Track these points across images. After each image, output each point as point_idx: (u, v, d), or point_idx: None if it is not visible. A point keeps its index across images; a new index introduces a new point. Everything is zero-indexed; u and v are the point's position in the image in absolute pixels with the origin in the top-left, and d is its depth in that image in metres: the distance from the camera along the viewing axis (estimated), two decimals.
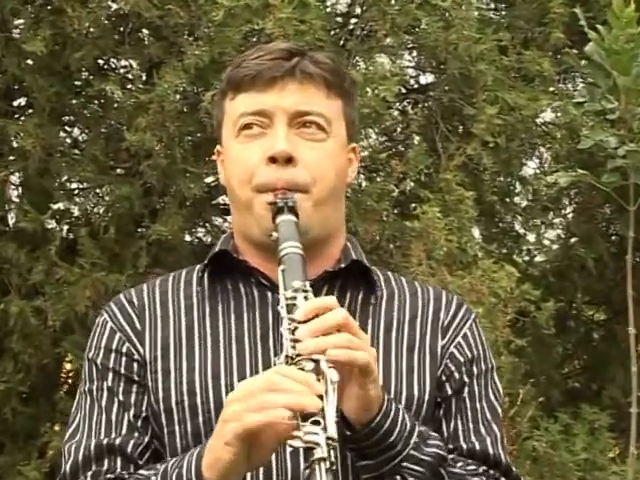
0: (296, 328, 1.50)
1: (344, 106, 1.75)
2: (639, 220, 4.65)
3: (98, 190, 5.30)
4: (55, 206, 5.23)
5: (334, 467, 1.41)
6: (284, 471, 1.60)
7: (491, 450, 1.69)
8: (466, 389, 1.71)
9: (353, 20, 5.60)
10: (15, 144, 5.03)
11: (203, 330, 1.69)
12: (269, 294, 1.69)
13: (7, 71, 4.96)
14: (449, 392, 1.71)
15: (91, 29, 4.90)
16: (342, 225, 1.79)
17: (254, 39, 4.83)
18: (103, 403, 1.69)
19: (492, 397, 1.74)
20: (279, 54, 1.70)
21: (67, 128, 5.46)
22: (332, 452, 1.41)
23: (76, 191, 5.43)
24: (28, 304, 4.87)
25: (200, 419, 1.64)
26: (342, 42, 5.36)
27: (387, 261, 4.94)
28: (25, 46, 4.73)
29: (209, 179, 5.10)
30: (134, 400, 1.68)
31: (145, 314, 1.72)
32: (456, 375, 1.71)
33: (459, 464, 1.66)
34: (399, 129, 5.69)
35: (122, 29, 5.08)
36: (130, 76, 5.18)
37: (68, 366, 5.37)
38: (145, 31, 5.18)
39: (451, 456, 1.65)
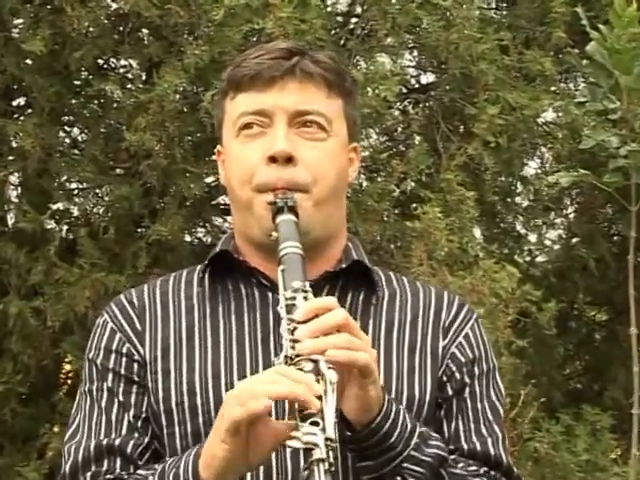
0: (295, 328, 1.50)
1: (345, 105, 1.74)
2: None
3: (98, 190, 5.30)
4: (54, 206, 5.23)
5: (333, 468, 1.41)
6: (284, 472, 1.60)
7: (492, 451, 1.68)
8: (467, 389, 1.71)
9: (354, 19, 5.62)
10: (14, 144, 5.02)
11: (203, 331, 1.69)
12: (270, 294, 1.68)
13: (6, 71, 4.96)
14: (450, 392, 1.70)
15: (91, 29, 4.90)
16: (343, 225, 1.78)
17: (254, 39, 4.84)
18: (103, 404, 1.68)
19: (494, 397, 1.73)
20: (279, 53, 1.70)
21: (66, 128, 5.47)
22: (331, 453, 1.41)
23: (75, 191, 5.43)
24: (27, 305, 4.87)
25: (200, 420, 1.63)
26: (343, 42, 5.37)
27: (388, 261, 4.93)
28: (24, 46, 4.74)
29: (209, 179, 5.11)
30: (134, 401, 1.68)
31: (145, 314, 1.72)
32: (457, 375, 1.70)
33: (460, 465, 1.65)
34: (400, 129, 5.69)
35: (122, 29, 5.08)
36: (130, 76, 5.18)
37: (67, 367, 5.36)
38: (145, 31, 5.18)
39: (452, 457, 1.64)
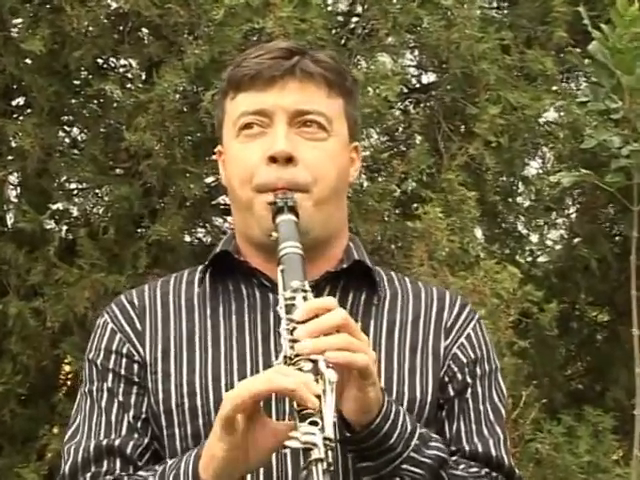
0: (295, 328, 1.50)
1: (345, 105, 1.74)
2: None
3: (97, 190, 5.31)
4: (54, 206, 5.23)
5: (332, 468, 1.40)
6: (284, 472, 1.60)
7: (494, 452, 1.68)
8: (469, 390, 1.70)
9: (354, 19, 5.63)
10: (14, 144, 5.02)
11: (204, 331, 1.69)
12: (270, 295, 1.68)
13: (6, 70, 4.95)
14: (451, 393, 1.69)
15: (90, 28, 4.90)
16: (344, 225, 1.78)
17: (254, 38, 4.84)
18: (103, 404, 1.69)
19: (496, 398, 1.73)
20: (279, 53, 1.70)
21: (66, 128, 5.47)
22: (330, 453, 1.40)
23: (75, 191, 5.44)
24: (27, 305, 4.87)
25: (200, 421, 1.63)
26: (343, 41, 5.37)
27: (389, 262, 4.93)
28: (24, 45, 4.73)
29: (209, 179, 5.12)
30: (134, 401, 1.68)
31: (146, 315, 1.72)
32: (459, 376, 1.70)
33: (461, 466, 1.65)
34: (401, 129, 5.69)
35: (121, 28, 5.08)
36: (130, 75, 5.18)
37: (67, 368, 5.37)
38: (145, 30, 5.18)
39: (453, 458, 1.64)
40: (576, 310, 6.34)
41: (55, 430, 5.07)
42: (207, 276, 1.73)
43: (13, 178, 5.33)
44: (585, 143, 4.64)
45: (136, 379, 1.68)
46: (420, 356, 1.69)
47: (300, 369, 1.46)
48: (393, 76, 4.87)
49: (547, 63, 5.21)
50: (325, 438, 1.40)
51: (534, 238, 5.99)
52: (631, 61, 4.34)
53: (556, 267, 6.13)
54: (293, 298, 1.54)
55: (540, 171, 5.89)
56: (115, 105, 5.04)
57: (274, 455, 1.54)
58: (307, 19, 4.66)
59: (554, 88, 5.49)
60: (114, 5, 4.97)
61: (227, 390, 1.59)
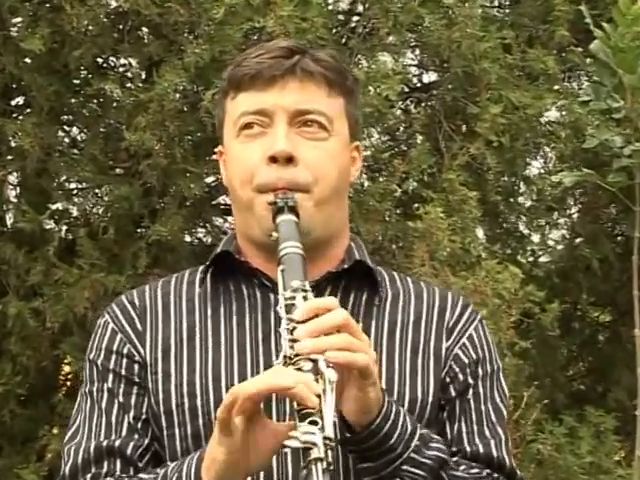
0: (295, 328, 1.49)
1: (346, 104, 1.73)
2: None
3: (97, 190, 5.32)
4: (54, 206, 5.23)
5: (331, 467, 1.40)
6: (285, 473, 1.60)
7: (495, 453, 1.68)
8: (471, 391, 1.70)
9: (355, 18, 5.64)
10: (13, 143, 5.02)
11: (204, 332, 1.69)
12: (271, 295, 1.68)
13: (5, 70, 4.95)
14: (453, 394, 1.69)
15: (90, 27, 4.90)
16: (346, 225, 1.77)
17: (255, 37, 4.85)
18: (103, 405, 1.68)
19: (497, 399, 1.72)
20: (280, 52, 1.69)
21: (66, 127, 5.47)
22: (329, 452, 1.40)
23: (75, 191, 5.44)
24: (26, 305, 4.87)
25: (200, 421, 1.63)
26: (344, 40, 5.37)
27: (390, 262, 4.93)
28: (23, 44, 4.74)
29: (209, 179, 5.13)
30: (134, 402, 1.68)
31: (146, 315, 1.72)
32: (460, 377, 1.70)
33: (462, 467, 1.64)
34: (402, 128, 5.70)
35: (121, 27, 5.08)
36: (129, 75, 5.19)
37: (67, 368, 5.37)
38: (145, 29, 5.19)
39: (454, 459, 1.64)
40: (578, 310, 6.34)
41: (55, 431, 5.08)
42: (208, 276, 1.72)
43: (13, 178, 5.34)
44: (587, 143, 4.65)
45: (136, 379, 1.68)
46: (421, 357, 1.68)
47: (300, 369, 1.45)
48: (394, 75, 4.87)
49: (549, 62, 5.21)
50: (325, 437, 1.40)
51: (536, 238, 6.01)
52: (633, 60, 4.34)
53: (558, 267, 6.13)
54: (293, 298, 1.53)
55: (542, 171, 5.90)
56: (115, 105, 5.05)
57: (275, 457, 1.54)
58: (308, 18, 4.66)
59: (556, 87, 5.49)
60: (114, 4, 4.98)
61: (227, 390, 1.58)
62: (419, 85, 5.92)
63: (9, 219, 5.25)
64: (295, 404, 1.44)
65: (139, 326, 1.71)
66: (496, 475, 1.66)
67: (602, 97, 4.47)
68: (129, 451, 1.65)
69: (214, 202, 5.43)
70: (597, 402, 5.74)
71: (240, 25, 4.67)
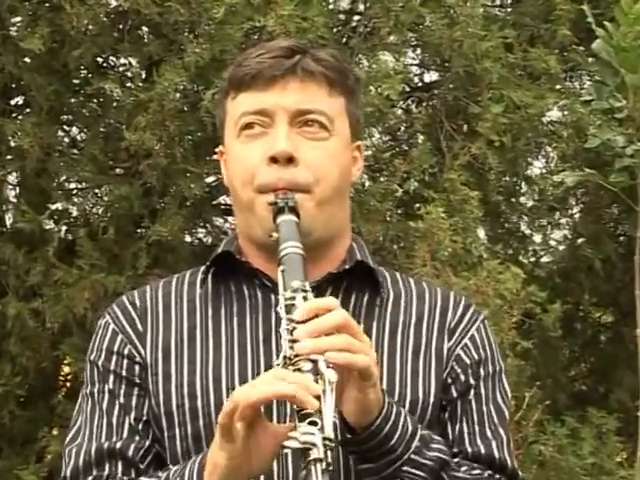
0: (294, 328, 1.49)
1: (347, 104, 1.72)
2: None
3: (97, 190, 5.33)
4: (53, 206, 5.24)
5: (331, 468, 1.40)
6: (285, 474, 1.59)
7: (497, 454, 1.66)
8: (472, 391, 1.69)
9: (356, 17, 5.65)
10: (13, 143, 5.03)
11: (205, 332, 1.68)
12: (272, 296, 1.66)
13: (4, 69, 4.96)
14: (454, 395, 1.68)
15: (90, 26, 4.91)
16: (347, 225, 1.76)
17: (255, 37, 4.86)
18: (104, 406, 1.68)
19: (499, 400, 1.71)
20: (280, 52, 1.68)
21: (65, 127, 5.48)
22: (329, 453, 1.40)
23: (75, 191, 5.45)
24: (26, 306, 4.87)
25: (201, 422, 1.63)
26: (345, 40, 5.38)
27: (391, 262, 4.92)
28: (23, 44, 4.74)
29: (210, 179, 5.13)
30: (135, 403, 1.67)
31: (147, 316, 1.71)
32: (462, 377, 1.69)
33: (463, 468, 1.63)
34: (403, 128, 5.70)
35: (121, 26, 5.08)
36: (129, 74, 5.20)
37: (66, 369, 5.38)
38: (145, 28, 5.20)
39: (456, 460, 1.63)
40: (580, 311, 6.35)
41: (55, 432, 5.08)
42: (209, 277, 1.72)
43: (12, 178, 5.35)
44: (589, 142, 4.64)
45: (137, 380, 1.67)
46: (423, 357, 1.68)
47: (299, 369, 1.45)
48: (395, 75, 4.88)
49: (550, 62, 5.21)
50: (324, 438, 1.40)
51: (537, 238, 6.02)
52: (635, 59, 4.33)
53: (560, 267, 6.13)
54: (293, 298, 1.53)
55: (543, 171, 5.91)
56: (115, 104, 5.06)
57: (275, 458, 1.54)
58: (308, 17, 4.67)
59: (558, 87, 5.49)
60: (114, 3, 4.99)
61: (228, 391, 1.60)
62: (420, 85, 5.92)
63: (8, 219, 5.27)
64: (295, 405, 1.44)
65: (140, 327, 1.70)
66: (498, 476, 1.65)
67: (604, 96, 4.46)
68: (130, 453, 1.64)
69: (214, 202, 5.44)
70: (599, 403, 5.75)
71: (240, 24, 4.68)
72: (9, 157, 5.11)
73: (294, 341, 1.47)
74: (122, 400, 1.67)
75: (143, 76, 5.03)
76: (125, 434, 1.65)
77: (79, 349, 4.70)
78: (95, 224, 5.04)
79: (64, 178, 5.28)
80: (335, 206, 1.69)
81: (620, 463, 5.34)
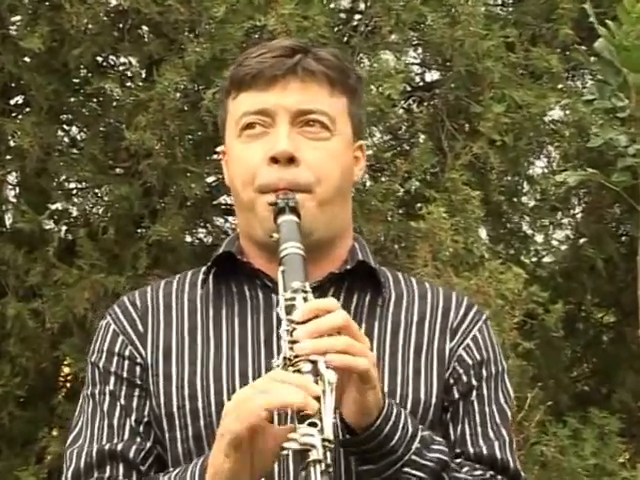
0: (294, 329, 1.48)
1: (349, 103, 1.72)
2: None
3: (97, 190, 5.33)
4: (53, 206, 5.25)
5: (330, 469, 1.39)
6: (286, 476, 1.59)
7: (499, 455, 1.66)
8: (474, 392, 1.68)
9: (357, 16, 5.66)
10: (12, 143, 5.04)
11: (206, 333, 1.68)
12: (273, 296, 1.66)
13: (4, 69, 4.96)
14: (456, 395, 1.68)
15: (90, 26, 4.91)
16: (349, 225, 1.76)
17: (256, 36, 4.85)
18: (105, 407, 1.68)
19: (502, 401, 1.70)
20: (281, 51, 1.68)
21: (65, 127, 5.49)
22: (329, 454, 1.39)
23: (74, 191, 5.46)
24: (26, 306, 4.87)
25: (201, 423, 1.62)
26: (346, 39, 5.39)
27: (392, 262, 4.92)
28: (22, 43, 4.74)
29: (210, 179, 5.14)
30: (136, 404, 1.67)
31: (148, 317, 1.71)
32: (464, 378, 1.68)
33: (465, 469, 1.62)
34: (404, 127, 5.71)
35: (121, 26, 5.09)
36: (129, 73, 5.22)
37: (66, 369, 5.39)
38: (145, 28, 5.20)
39: (458, 460, 1.63)
40: (582, 311, 6.36)
41: (54, 433, 5.09)
42: (210, 277, 1.72)
43: (12, 178, 5.36)
44: (591, 142, 4.65)
45: (138, 382, 1.67)
46: (425, 357, 1.67)
47: (299, 370, 1.45)
48: (396, 74, 4.88)
49: (552, 61, 5.22)
50: (324, 439, 1.40)
51: (539, 238, 6.03)
52: (638, 58, 4.35)
53: (561, 268, 6.14)
54: (293, 299, 1.52)
55: (545, 170, 5.92)
56: (115, 104, 5.06)
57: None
58: (309, 16, 4.67)
59: (559, 86, 5.49)
60: (114, 2, 4.99)
61: (229, 392, 1.60)
62: (421, 84, 5.93)
63: (8, 219, 5.28)
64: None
65: (141, 328, 1.70)
66: (500, 477, 1.65)
67: (606, 96, 4.47)
68: (132, 455, 1.64)
69: (215, 202, 5.45)
70: (601, 403, 5.75)
71: (241, 23, 4.68)
72: (9, 157, 5.12)
73: (294, 342, 1.47)
74: (123, 401, 1.67)
75: (143, 75, 5.04)
76: (126, 436, 1.65)
77: (79, 349, 4.70)
78: (95, 224, 5.04)
79: (64, 178, 5.29)
80: (337, 206, 1.68)
81: (622, 464, 5.35)
